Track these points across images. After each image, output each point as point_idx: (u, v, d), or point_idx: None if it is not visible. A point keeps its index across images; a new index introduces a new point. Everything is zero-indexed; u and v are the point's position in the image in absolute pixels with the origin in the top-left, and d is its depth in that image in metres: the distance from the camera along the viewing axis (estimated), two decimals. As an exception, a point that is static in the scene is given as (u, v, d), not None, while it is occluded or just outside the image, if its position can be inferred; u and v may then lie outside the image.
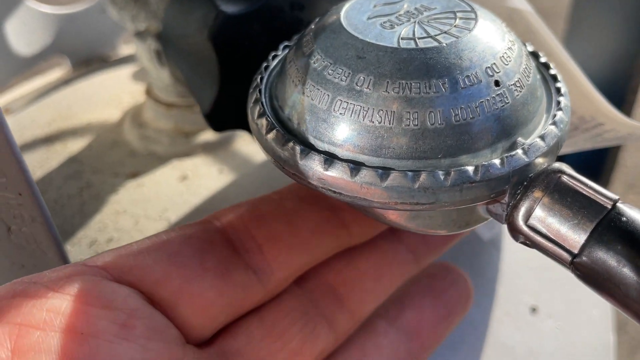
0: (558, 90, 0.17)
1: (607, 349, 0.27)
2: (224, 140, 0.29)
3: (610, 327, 0.28)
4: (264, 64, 0.19)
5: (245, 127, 0.22)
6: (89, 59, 0.39)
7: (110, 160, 0.29)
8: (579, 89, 0.20)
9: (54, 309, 0.14)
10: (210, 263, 0.17)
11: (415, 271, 0.21)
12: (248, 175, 0.28)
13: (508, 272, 0.27)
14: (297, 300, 0.19)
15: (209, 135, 0.29)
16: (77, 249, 0.25)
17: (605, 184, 0.63)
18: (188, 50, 0.22)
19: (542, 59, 0.18)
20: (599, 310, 0.28)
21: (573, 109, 0.21)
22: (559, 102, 0.17)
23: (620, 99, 0.53)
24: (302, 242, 0.19)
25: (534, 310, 0.27)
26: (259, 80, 0.18)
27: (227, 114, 0.22)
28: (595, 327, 0.27)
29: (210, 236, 0.18)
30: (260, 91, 0.18)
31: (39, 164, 0.29)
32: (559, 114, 0.16)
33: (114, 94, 0.33)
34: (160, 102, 0.29)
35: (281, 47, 0.19)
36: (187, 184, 0.28)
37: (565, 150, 0.25)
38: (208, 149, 0.29)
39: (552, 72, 0.18)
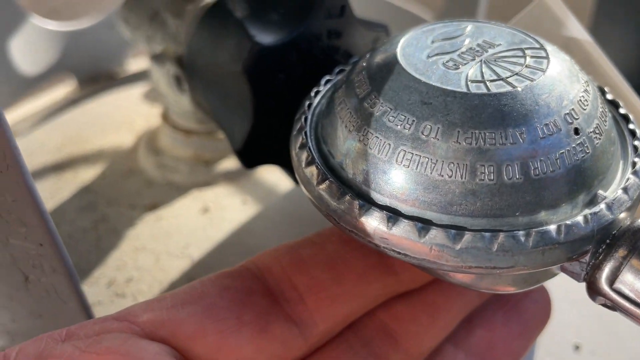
0: (633, 133, 0.16)
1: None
2: (246, 169, 0.28)
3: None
4: (307, 102, 0.17)
5: (280, 162, 0.21)
6: (96, 76, 0.37)
7: (126, 190, 0.27)
8: None
9: None
10: (248, 316, 0.16)
11: (477, 303, 0.19)
12: (274, 205, 0.27)
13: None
14: (346, 343, 0.18)
15: (230, 163, 0.28)
16: (95, 289, 0.24)
17: None
18: (217, 81, 0.21)
19: (609, 96, 0.17)
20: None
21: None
22: (636, 148, 0.15)
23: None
24: (346, 291, 0.17)
25: (577, 348, 0.25)
26: (302, 121, 0.17)
27: (260, 150, 0.20)
28: (637, 361, 0.26)
29: (249, 286, 0.16)
30: (306, 134, 0.16)
31: (50, 194, 0.27)
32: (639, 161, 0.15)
33: (125, 117, 0.32)
34: (178, 129, 0.28)
35: (323, 81, 0.18)
36: (209, 216, 0.26)
37: None
38: (230, 178, 0.27)
39: (622, 111, 0.16)
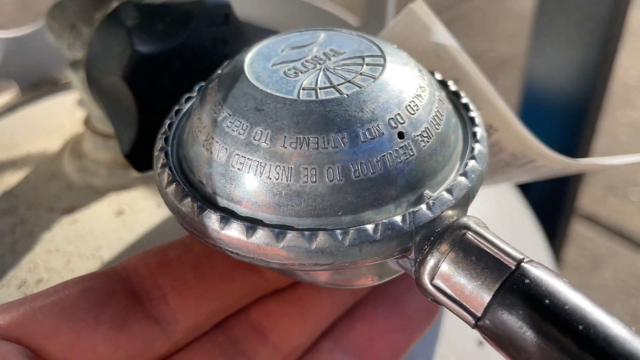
0: (474, 135, 0.17)
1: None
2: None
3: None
4: (176, 107, 0.18)
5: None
6: (38, 83, 0.38)
7: (47, 194, 0.28)
8: (508, 127, 0.19)
9: None
10: (106, 315, 0.16)
11: (351, 301, 0.20)
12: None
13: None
14: (214, 341, 0.18)
15: (148, 166, 0.28)
16: (5, 290, 0.24)
17: (577, 189, 0.63)
18: (108, 89, 0.21)
19: (463, 100, 0.18)
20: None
21: (503, 146, 0.20)
22: (473, 149, 0.16)
23: (583, 111, 0.53)
24: (210, 290, 0.18)
25: (481, 343, 0.26)
26: (167, 126, 0.17)
27: (147, 155, 0.21)
28: None
29: (111, 287, 0.17)
30: (167, 139, 0.17)
31: (-26, 199, 0.28)
32: (471, 162, 0.16)
33: (57, 122, 0.33)
34: (98, 133, 0.28)
35: (196, 88, 0.19)
36: (123, 218, 0.27)
37: (501, 181, 0.24)
38: (147, 181, 0.28)
39: (471, 114, 0.17)
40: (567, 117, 0.55)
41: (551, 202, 0.62)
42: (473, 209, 0.28)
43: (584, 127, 0.56)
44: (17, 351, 0.15)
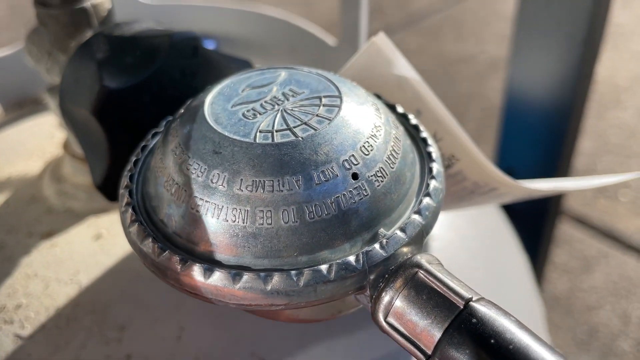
0: (430, 170, 0.17)
1: None
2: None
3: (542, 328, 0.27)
4: (142, 144, 0.18)
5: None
6: (21, 102, 0.38)
7: (26, 217, 0.28)
8: (469, 157, 0.20)
9: None
10: None
11: None
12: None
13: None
14: None
15: (126, 190, 0.29)
16: (-16, 317, 0.25)
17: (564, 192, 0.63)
18: (79, 120, 0.22)
19: (423, 134, 0.18)
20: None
21: (466, 175, 0.21)
22: (428, 185, 0.16)
23: (567, 114, 0.54)
24: None
25: None
26: (132, 163, 0.18)
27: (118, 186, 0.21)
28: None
29: None
30: (132, 177, 0.17)
31: (-46, 223, 0.28)
32: (426, 200, 0.16)
33: (38, 144, 0.33)
34: (77, 157, 0.29)
35: (163, 123, 0.19)
36: (101, 242, 0.27)
37: (466, 207, 0.24)
38: (125, 204, 0.29)
39: (429, 149, 0.18)
40: (550, 120, 0.56)
41: (539, 204, 0.63)
42: (456, 229, 0.28)
43: (569, 130, 0.57)
44: None
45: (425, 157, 0.17)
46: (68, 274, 0.26)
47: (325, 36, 0.33)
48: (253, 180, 0.15)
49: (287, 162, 0.15)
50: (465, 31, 1.32)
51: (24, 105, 0.38)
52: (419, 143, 0.18)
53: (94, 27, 0.25)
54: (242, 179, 0.15)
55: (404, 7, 1.41)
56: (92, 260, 0.26)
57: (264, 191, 0.15)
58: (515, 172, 0.57)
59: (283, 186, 0.15)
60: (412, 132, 0.18)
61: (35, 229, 0.28)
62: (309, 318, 0.17)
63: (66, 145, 0.30)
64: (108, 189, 0.21)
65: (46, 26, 0.26)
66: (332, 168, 0.15)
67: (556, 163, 0.56)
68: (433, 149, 0.17)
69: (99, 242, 0.27)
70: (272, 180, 0.15)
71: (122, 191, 0.17)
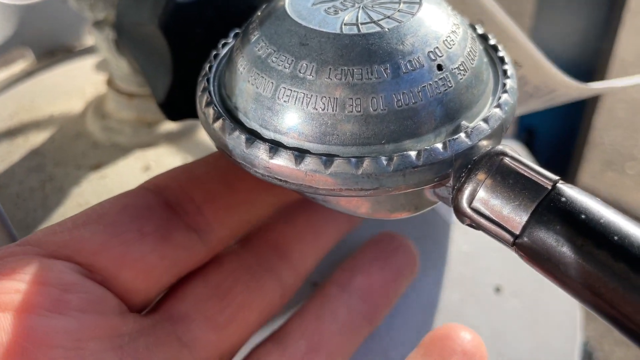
0: (505, 72, 0.17)
1: (573, 326, 0.27)
2: (187, 130, 0.29)
3: (577, 304, 0.28)
4: (214, 52, 0.19)
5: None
6: (53, 50, 0.38)
7: (73, 152, 0.29)
8: (532, 62, 0.20)
9: None
10: (149, 227, 0.17)
11: (348, 228, 0.22)
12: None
13: (471, 253, 0.28)
14: (241, 259, 0.19)
15: (172, 125, 0.29)
16: (40, 242, 0.25)
17: (579, 162, 0.64)
18: (141, 39, 0.22)
19: (491, 41, 0.18)
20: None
21: (528, 79, 0.21)
22: (504, 85, 0.17)
23: (591, 71, 0.54)
24: (240, 201, 0.19)
25: (498, 290, 0.27)
26: (207, 68, 0.18)
27: (181, 104, 0.21)
28: (561, 305, 0.28)
29: (147, 202, 0.18)
30: (208, 80, 0.18)
31: (1, 158, 0.29)
32: (504, 96, 0.16)
33: (77, 85, 0.33)
34: (122, 93, 0.29)
35: (232, 34, 0.19)
36: (150, 174, 0.27)
37: (520, 113, 0.25)
38: (171, 138, 0.29)
39: (500, 54, 0.18)
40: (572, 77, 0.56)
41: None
42: (467, 234, 0.29)
43: (586, 102, 0.57)
44: (69, 268, 0.16)
45: (497, 62, 0.18)
46: (119, 203, 0.26)
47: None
48: (342, 69, 0.15)
49: (374, 51, 0.15)
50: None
51: (55, 54, 0.38)
52: (489, 50, 0.18)
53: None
54: (330, 68, 0.15)
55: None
56: (142, 190, 0.27)
57: (353, 79, 0.15)
58: (536, 131, 0.57)
59: (372, 74, 0.15)
60: (481, 41, 0.18)
61: (83, 162, 0.28)
62: (389, 214, 0.17)
63: (110, 82, 0.30)
64: (170, 107, 0.22)
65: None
66: (418, 58, 0.15)
67: (577, 123, 0.56)
68: (504, 53, 0.18)
69: (147, 173, 0.27)
70: (361, 69, 0.15)
71: (201, 93, 0.17)
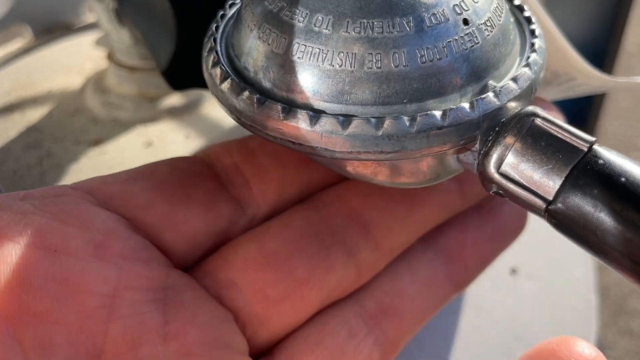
0: (532, 32, 0.16)
1: (589, 309, 0.26)
2: (190, 104, 0.28)
3: (592, 288, 0.27)
4: (220, 12, 0.17)
5: (205, 85, 0.21)
6: (52, 27, 0.37)
7: (72, 128, 0.28)
8: (553, 44, 0.19)
9: (32, 224, 0.14)
10: (196, 194, 0.17)
11: (459, 205, 0.19)
12: (216, 140, 0.27)
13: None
14: (310, 225, 0.17)
15: (174, 99, 0.28)
16: (37, 220, 0.24)
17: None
18: (143, 3, 0.21)
19: (517, 1, 0.17)
20: (580, 270, 0.27)
21: (547, 64, 0.20)
22: (533, 44, 0.16)
23: (599, 62, 0.53)
24: (290, 176, 0.18)
25: (513, 271, 0.26)
26: (214, 28, 0.17)
27: (186, 71, 0.20)
28: (576, 288, 0.27)
29: (198, 169, 0.17)
30: (215, 40, 0.16)
31: (-3, 134, 0.28)
32: (533, 55, 0.15)
33: (75, 61, 0.32)
34: (123, 66, 0.28)
35: (239, -6, 0.18)
36: (152, 150, 0.26)
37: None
38: (174, 113, 0.28)
39: (526, 14, 0.17)
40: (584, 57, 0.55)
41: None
42: None
43: (603, 67, 0.56)
44: (115, 219, 0.15)
45: (523, 22, 0.17)
46: (120, 179, 0.25)
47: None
48: (361, 22, 0.14)
49: (396, 2, 0.14)
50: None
51: (53, 31, 0.37)
52: (514, 11, 0.17)
53: None
54: (348, 21, 0.14)
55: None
56: (144, 166, 0.26)
57: (372, 32, 0.14)
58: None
59: (393, 27, 0.14)
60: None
61: (82, 137, 0.27)
62: (409, 181, 0.16)
63: (110, 56, 0.29)
64: (174, 75, 0.20)
65: None
66: (443, 11, 0.14)
67: (586, 114, 0.55)
68: (530, 13, 0.17)
69: (149, 150, 0.26)
70: (382, 22, 0.14)
71: (207, 54, 0.16)
